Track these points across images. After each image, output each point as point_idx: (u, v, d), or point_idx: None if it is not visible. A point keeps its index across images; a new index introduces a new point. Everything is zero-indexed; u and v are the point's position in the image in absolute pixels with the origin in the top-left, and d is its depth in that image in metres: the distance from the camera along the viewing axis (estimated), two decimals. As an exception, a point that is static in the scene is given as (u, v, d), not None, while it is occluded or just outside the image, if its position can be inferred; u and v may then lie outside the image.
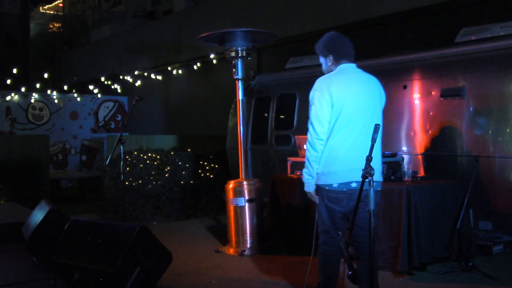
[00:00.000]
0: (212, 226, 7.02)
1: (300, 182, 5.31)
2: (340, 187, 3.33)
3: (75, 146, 12.48)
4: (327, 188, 3.37)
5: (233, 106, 8.01)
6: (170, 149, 8.02)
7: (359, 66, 3.63)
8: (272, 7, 11.11)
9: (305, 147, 3.88)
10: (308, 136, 3.40)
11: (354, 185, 3.30)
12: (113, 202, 7.31)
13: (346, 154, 3.33)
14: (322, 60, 3.68)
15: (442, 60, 5.97)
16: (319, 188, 3.43)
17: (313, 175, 3.41)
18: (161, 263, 3.56)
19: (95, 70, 18.02)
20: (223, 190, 5.75)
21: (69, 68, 20.53)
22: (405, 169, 4.97)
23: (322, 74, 3.63)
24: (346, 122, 3.34)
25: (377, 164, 3.37)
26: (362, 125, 3.37)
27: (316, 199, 3.47)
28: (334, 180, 3.33)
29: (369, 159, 2.91)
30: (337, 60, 3.58)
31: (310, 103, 3.43)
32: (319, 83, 3.46)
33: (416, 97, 6.13)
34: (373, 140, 2.97)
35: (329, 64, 3.60)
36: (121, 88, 15.18)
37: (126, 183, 7.09)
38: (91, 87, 14.25)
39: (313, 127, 3.37)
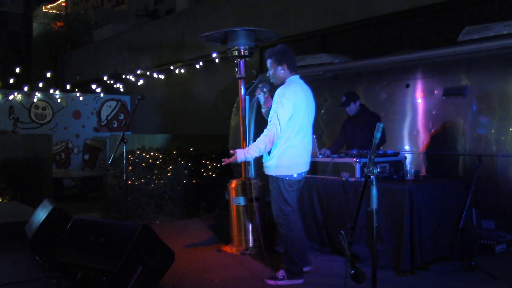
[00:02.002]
0: (214, 225, 7.02)
1: (305, 181, 5.33)
2: (298, 176, 4.33)
3: (77, 145, 12.51)
4: (287, 178, 4.28)
5: (235, 105, 8.01)
6: (172, 148, 8.03)
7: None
8: (275, 6, 11.10)
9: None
10: (273, 131, 4.17)
11: (304, 174, 4.42)
12: (116, 201, 7.33)
13: (303, 151, 4.32)
14: (276, 67, 4.34)
15: (445, 59, 5.96)
16: (277, 179, 4.29)
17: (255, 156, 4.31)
18: (164, 262, 3.57)
19: (98, 69, 18.04)
20: (225, 189, 5.75)
21: (72, 67, 20.55)
22: (408, 168, 4.97)
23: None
24: (302, 126, 4.26)
25: (309, 157, 4.46)
26: (308, 128, 4.38)
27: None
28: (295, 171, 4.30)
29: (371, 158, 2.91)
30: (290, 71, 4.34)
31: (279, 106, 4.16)
32: (287, 91, 4.22)
33: (419, 96, 6.12)
34: (376, 139, 2.98)
35: (282, 72, 4.33)
36: (123, 87, 15.18)
37: (129, 182, 7.10)
38: (93, 86, 14.26)
39: (280, 126, 4.16)
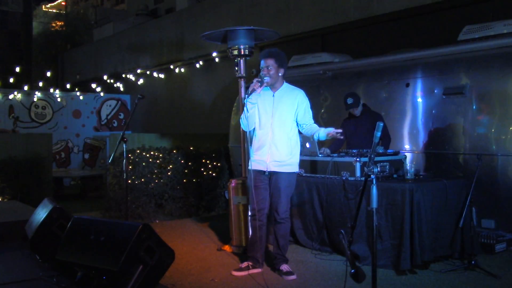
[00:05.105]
0: (214, 224, 7.03)
1: (305, 180, 5.33)
2: None
3: (77, 145, 12.51)
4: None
5: (235, 104, 8.01)
6: (172, 148, 8.03)
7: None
8: (275, 5, 11.09)
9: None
10: None
11: None
12: (116, 200, 7.33)
13: None
14: (277, 68, 4.39)
15: (445, 58, 5.96)
16: (295, 175, 4.53)
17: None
18: (164, 261, 3.56)
19: (98, 69, 18.04)
20: (225, 188, 5.75)
21: (72, 67, 20.55)
22: (408, 168, 4.97)
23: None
24: None
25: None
26: None
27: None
28: None
29: (371, 157, 2.91)
30: (283, 76, 4.49)
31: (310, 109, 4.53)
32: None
33: (419, 95, 6.12)
34: (376, 138, 2.99)
35: (280, 75, 4.43)
36: (123, 86, 15.19)
37: (129, 181, 7.10)
38: (93, 85, 14.27)
39: None
